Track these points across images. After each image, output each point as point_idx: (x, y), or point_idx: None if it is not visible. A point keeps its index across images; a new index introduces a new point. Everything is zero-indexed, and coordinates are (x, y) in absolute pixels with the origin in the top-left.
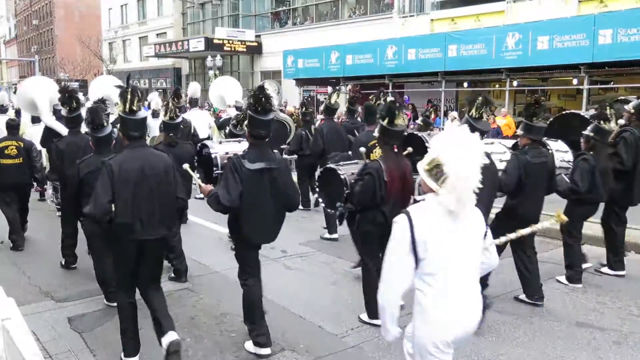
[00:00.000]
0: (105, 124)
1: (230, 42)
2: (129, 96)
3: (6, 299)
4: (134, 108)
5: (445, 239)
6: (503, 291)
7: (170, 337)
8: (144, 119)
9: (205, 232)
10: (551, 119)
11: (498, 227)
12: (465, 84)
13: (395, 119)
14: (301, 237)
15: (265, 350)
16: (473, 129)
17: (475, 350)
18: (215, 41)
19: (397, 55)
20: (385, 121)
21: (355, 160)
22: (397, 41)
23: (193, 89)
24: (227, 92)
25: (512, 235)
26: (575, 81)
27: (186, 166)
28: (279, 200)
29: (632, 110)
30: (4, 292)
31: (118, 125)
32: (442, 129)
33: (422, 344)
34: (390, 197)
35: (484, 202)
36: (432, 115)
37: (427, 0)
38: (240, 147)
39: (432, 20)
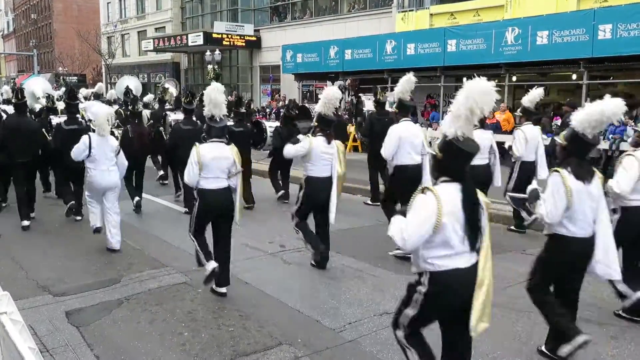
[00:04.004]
0: None
1: (229, 36)
2: (19, 93)
3: (1, 292)
4: (19, 97)
5: None
6: (501, 285)
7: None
8: (25, 103)
9: None
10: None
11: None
12: (465, 79)
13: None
14: None
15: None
16: (185, 110)
17: (473, 345)
18: (214, 36)
19: (396, 50)
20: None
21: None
22: (396, 36)
23: (98, 86)
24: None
25: None
26: (574, 76)
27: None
28: None
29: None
30: (0, 286)
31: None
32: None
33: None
34: None
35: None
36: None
37: None
38: (63, 119)
39: (431, 15)
